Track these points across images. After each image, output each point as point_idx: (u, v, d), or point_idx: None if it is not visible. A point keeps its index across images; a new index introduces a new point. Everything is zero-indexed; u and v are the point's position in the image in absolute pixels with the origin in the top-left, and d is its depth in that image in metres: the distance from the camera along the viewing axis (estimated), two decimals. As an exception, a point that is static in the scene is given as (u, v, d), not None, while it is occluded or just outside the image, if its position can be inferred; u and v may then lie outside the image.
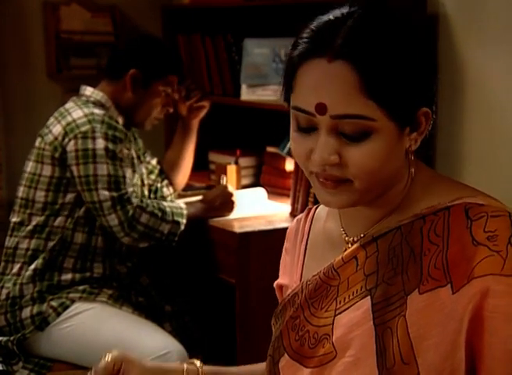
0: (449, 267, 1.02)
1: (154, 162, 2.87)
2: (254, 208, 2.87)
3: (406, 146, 1.08)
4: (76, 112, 2.51)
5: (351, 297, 1.11)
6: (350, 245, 1.15)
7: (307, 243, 1.26)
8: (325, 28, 1.06)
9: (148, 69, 2.63)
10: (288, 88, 1.10)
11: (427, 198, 1.11)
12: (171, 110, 2.75)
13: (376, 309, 1.07)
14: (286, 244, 1.33)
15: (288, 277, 1.28)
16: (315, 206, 1.29)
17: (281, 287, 1.32)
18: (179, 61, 2.81)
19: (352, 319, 1.09)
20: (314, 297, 1.16)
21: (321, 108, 1.03)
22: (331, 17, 1.07)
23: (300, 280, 1.22)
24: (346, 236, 1.17)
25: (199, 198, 2.77)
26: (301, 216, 1.30)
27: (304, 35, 1.08)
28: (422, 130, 1.09)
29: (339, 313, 1.11)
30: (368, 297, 1.08)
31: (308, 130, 1.07)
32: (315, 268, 1.19)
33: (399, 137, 1.06)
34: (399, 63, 1.03)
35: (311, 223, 1.27)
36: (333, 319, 1.11)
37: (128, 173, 2.50)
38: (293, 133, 1.11)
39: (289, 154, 2.92)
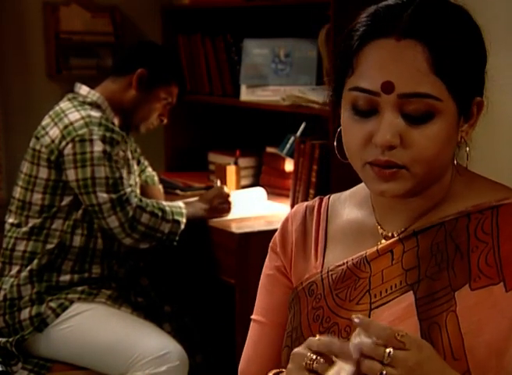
0: (503, 265, 1.03)
1: (146, 163, 2.93)
2: (254, 208, 2.87)
3: (458, 138, 1.08)
4: (72, 114, 2.50)
5: (389, 291, 1.10)
6: (385, 239, 1.14)
7: (326, 231, 1.23)
8: (391, 9, 1.05)
9: (156, 72, 2.64)
10: (344, 72, 1.07)
11: (470, 196, 1.11)
12: (165, 121, 2.75)
13: (421, 304, 1.06)
14: (292, 226, 1.26)
15: (298, 260, 1.24)
16: (327, 197, 1.27)
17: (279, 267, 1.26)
18: (184, 78, 2.85)
19: (393, 314, 1.08)
20: (340, 287, 1.14)
21: (388, 87, 1.01)
22: (394, 0, 1.06)
23: (321, 268, 1.19)
24: (383, 230, 1.15)
25: (197, 198, 2.77)
26: (311, 203, 1.27)
27: (365, 19, 1.06)
28: (473, 123, 1.09)
29: (376, 307, 1.10)
30: (411, 292, 1.08)
31: (368, 113, 1.05)
32: (338, 258, 1.17)
33: (456, 125, 1.06)
34: (466, 45, 1.04)
35: (327, 212, 1.24)
36: (369, 313, 1.10)
37: (124, 173, 2.50)
38: (347, 120, 1.07)
39: (289, 154, 2.92)
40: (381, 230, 1.16)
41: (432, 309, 1.05)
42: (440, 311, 1.04)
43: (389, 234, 1.14)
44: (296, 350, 1.01)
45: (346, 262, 1.15)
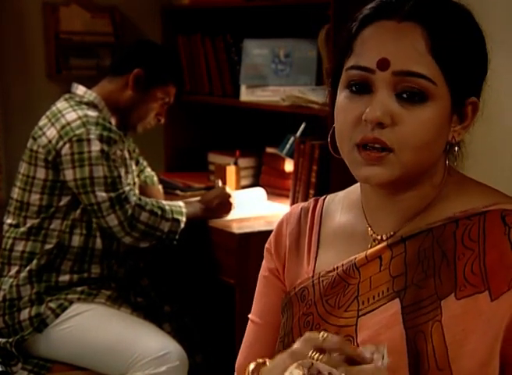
0: (488, 274, 1.02)
1: (145, 163, 2.93)
2: (254, 208, 2.87)
3: (449, 137, 1.07)
4: (69, 114, 2.50)
5: (376, 298, 1.08)
6: (376, 242, 1.12)
7: (319, 235, 1.21)
8: None
9: (153, 72, 2.64)
10: (343, 54, 1.07)
11: (459, 201, 1.09)
12: (162, 120, 2.75)
13: (407, 312, 1.05)
14: (286, 228, 1.25)
15: (291, 264, 1.22)
16: (322, 198, 1.25)
17: (272, 270, 1.25)
18: (182, 77, 2.86)
19: (380, 322, 1.06)
20: (330, 294, 1.13)
21: (384, 64, 1.02)
22: None
23: (313, 273, 1.17)
24: (374, 232, 1.13)
25: (197, 198, 2.77)
26: (306, 205, 1.25)
27: (369, 5, 1.08)
28: (466, 124, 1.08)
29: (363, 314, 1.08)
30: (397, 299, 1.06)
31: (362, 91, 1.04)
32: (329, 262, 1.15)
33: (449, 117, 1.05)
34: (465, 36, 1.04)
35: (321, 214, 1.22)
36: (356, 320, 1.09)
37: (122, 172, 2.50)
38: (341, 100, 1.07)
39: (289, 155, 2.92)
40: (371, 232, 1.14)
41: (417, 318, 1.04)
42: (426, 320, 1.03)
43: (379, 237, 1.13)
44: (294, 349, 0.97)
45: (337, 268, 1.13)
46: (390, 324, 1.05)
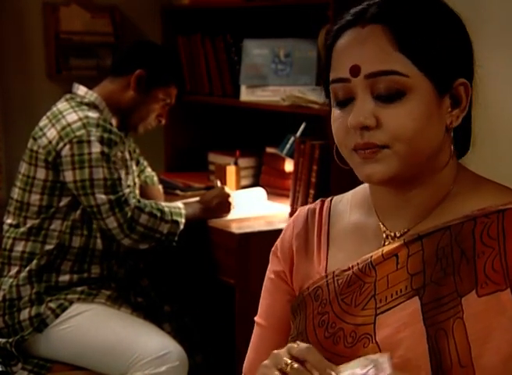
0: (510, 271, 1.03)
1: (145, 163, 2.93)
2: (254, 208, 2.87)
3: (447, 122, 1.08)
4: (70, 115, 2.50)
5: (394, 296, 1.08)
6: (390, 240, 1.13)
7: (328, 234, 1.22)
8: (358, 7, 1.10)
9: (155, 73, 2.63)
10: (326, 69, 1.11)
11: (475, 199, 1.10)
12: (163, 121, 2.75)
13: (426, 310, 1.05)
14: (293, 231, 1.25)
15: (300, 265, 1.23)
16: (329, 199, 1.26)
17: (279, 273, 1.26)
18: (184, 78, 2.86)
19: (399, 320, 1.07)
20: (346, 292, 1.13)
21: (355, 70, 1.05)
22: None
23: (326, 272, 1.18)
24: (387, 229, 1.14)
25: (196, 199, 2.77)
26: (313, 206, 1.26)
27: (338, 21, 1.12)
28: (463, 107, 1.10)
29: (381, 312, 1.09)
30: (416, 297, 1.07)
31: (346, 102, 1.08)
32: (341, 261, 1.16)
33: (437, 103, 1.07)
34: (431, 22, 1.06)
35: (329, 214, 1.24)
36: (374, 318, 1.09)
37: (122, 174, 2.50)
38: (333, 115, 1.11)
39: (289, 154, 2.92)
40: (383, 229, 1.15)
41: (438, 315, 1.04)
42: (447, 317, 1.04)
43: (392, 234, 1.13)
44: (276, 351, 1.02)
45: (352, 267, 1.13)
46: (410, 322, 1.06)
